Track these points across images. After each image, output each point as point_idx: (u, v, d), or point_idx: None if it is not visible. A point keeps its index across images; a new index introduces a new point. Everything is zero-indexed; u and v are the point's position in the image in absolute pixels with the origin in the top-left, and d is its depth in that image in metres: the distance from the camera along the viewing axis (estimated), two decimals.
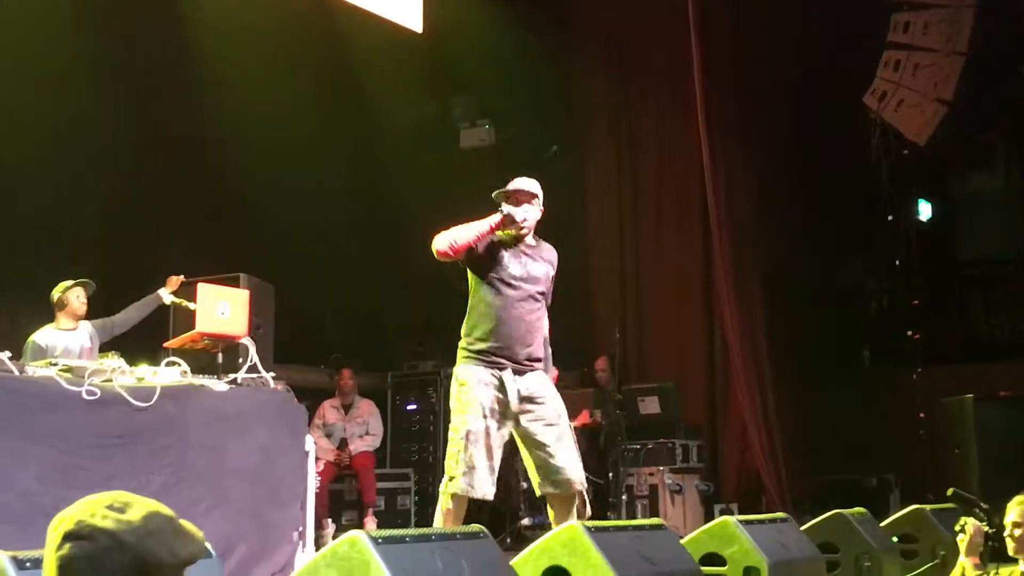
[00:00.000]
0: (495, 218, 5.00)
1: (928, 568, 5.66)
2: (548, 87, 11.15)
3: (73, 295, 6.83)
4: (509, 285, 5.02)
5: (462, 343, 5.03)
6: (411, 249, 11.20)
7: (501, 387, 4.93)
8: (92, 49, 8.91)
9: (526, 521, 8.55)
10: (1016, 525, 4.28)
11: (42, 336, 6.69)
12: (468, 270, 5.07)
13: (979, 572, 4.42)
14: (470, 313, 5.05)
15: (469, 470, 4.82)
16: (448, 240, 4.91)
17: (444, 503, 4.91)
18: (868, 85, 9.59)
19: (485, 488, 4.86)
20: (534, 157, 10.58)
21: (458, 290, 5.38)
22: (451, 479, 4.85)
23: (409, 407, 10.62)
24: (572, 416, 5.84)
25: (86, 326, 6.90)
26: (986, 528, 4.67)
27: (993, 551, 4.74)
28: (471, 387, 4.90)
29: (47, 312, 6.95)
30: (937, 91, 9.38)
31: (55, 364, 5.34)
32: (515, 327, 5.00)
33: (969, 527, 4.59)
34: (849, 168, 9.99)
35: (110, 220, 9.38)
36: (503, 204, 5.05)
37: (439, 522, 4.87)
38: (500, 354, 4.95)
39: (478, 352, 4.95)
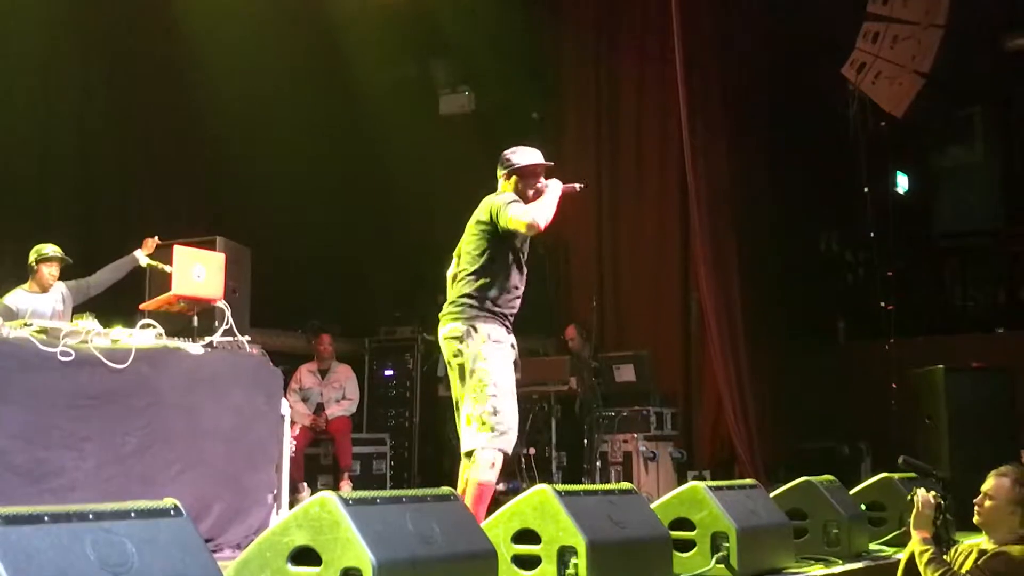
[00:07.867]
0: (556, 192, 5.19)
1: (895, 536, 5.74)
2: (528, 54, 11.08)
3: (46, 269, 6.83)
4: (523, 256, 5.18)
5: (476, 302, 4.99)
6: (390, 214, 11.26)
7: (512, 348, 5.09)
8: (67, 15, 8.82)
9: (500, 487, 8.57)
10: (987, 497, 4.11)
11: (12, 299, 6.67)
12: (499, 237, 5.04)
13: (926, 547, 4.10)
14: (488, 275, 5.02)
15: (512, 427, 4.88)
16: (544, 217, 5.02)
17: (490, 458, 4.80)
18: (847, 56, 9.59)
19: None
20: (514, 125, 10.55)
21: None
22: (501, 435, 4.82)
23: (386, 372, 10.63)
24: None
25: (59, 287, 6.87)
26: (938, 499, 4.26)
27: (961, 521, 4.59)
28: (504, 345, 4.98)
29: (20, 272, 6.92)
30: (915, 63, 9.38)
31: (29, 325, 5.34)
32: (519, 298, 5.15)
33: (918, 498, 4.24)
34: (827, 139, 10.01)
35: (86, 181, 9.34)
36: (545, 180, 5.26)
37: (488, 476, 4.79)
38: (510, 320, 5.09)
39: (496, 314, 5.02)
